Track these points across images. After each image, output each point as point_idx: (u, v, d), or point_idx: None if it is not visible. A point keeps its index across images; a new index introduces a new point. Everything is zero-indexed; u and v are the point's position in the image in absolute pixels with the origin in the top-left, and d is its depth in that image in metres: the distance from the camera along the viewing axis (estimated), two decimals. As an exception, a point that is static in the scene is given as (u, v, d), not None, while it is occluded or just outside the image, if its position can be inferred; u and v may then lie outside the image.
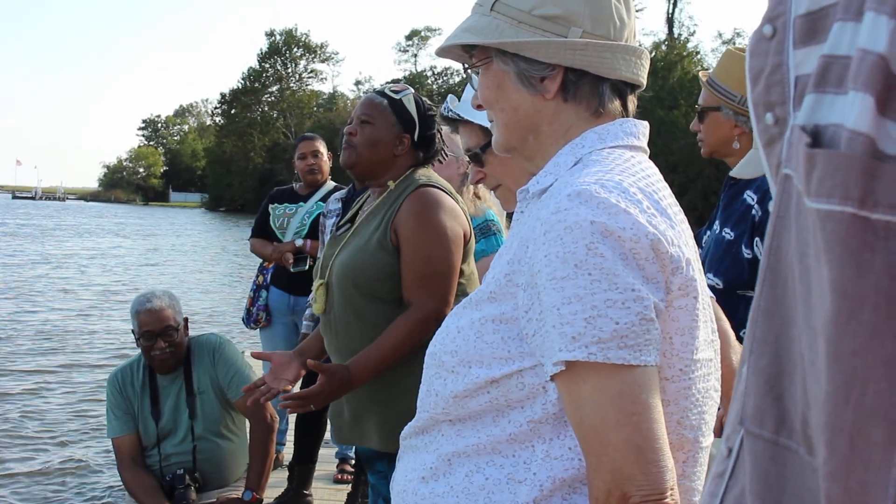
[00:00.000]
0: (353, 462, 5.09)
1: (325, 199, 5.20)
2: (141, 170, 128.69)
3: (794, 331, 0.61)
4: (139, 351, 3.90)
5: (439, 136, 2.88)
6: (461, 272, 2.70)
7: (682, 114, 38.97)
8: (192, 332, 4.01)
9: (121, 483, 4.12)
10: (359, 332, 2.63)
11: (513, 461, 1.29)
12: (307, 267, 5.09)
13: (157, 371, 3.87)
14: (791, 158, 0.59)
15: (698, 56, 49.52)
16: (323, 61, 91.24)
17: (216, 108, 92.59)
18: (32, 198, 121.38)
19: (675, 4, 55.17)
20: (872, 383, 0.51)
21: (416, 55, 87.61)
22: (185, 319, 3.92)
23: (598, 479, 1.18)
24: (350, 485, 4.94)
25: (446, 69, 79.78)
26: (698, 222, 1.97)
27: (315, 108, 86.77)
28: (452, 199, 2.74)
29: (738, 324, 2.10)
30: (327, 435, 5.18)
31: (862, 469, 0.52)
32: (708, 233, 2.80)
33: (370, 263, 2.62)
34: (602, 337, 1.15)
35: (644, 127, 1.43)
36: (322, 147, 5.46)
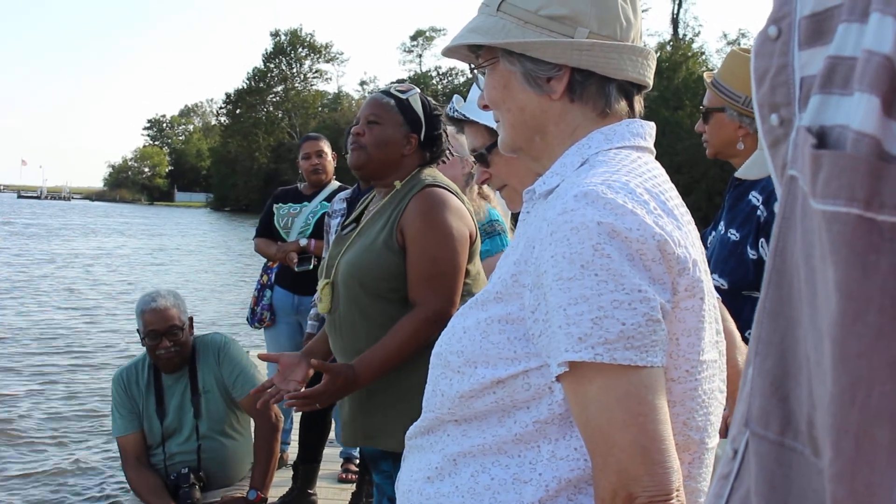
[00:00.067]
0: (358, 461, 5.09)
1: (329, 198, 5.20)
2: (146, 169, 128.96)
3: (799, 332, 0.61)
4: (144, 350, 3.91)
5: (445, 135, 2.88)
6: (467, 272, 2.69)
7: (686, 114, 38.92)
8: (196, 332, 4.02)
9: (124, 484, 4.14)
10: (364, 331, 2.63)
11: (518, 461, 1.29)
12: (311, 266, 5.09)
13: (163, 370, 3.87)
14: (796, 160, 0.59)
15: (703, 56, 49.44)
16: (328, 61, 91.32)
17: (221, 108, 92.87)
18: (38, 197, 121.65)
19: (679, 5, 55.13)
20: (878, 384, 0.51)
21: (420, 55, 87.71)
22: (190, 319, 3.92)
23: (603, 480, 1.18)
24: (354, 484, 4.94)
25: (451, 69, 79.79)
26: (703, 223, 1.97)
27: (320, 108, 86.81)
28: (458, 199, 2.74)
29: (743, 324, 2.10)
30: (332, 434, 5.20)
31: (867, 470, 0.51)
32: (713, 233, 2.80)
33: (376, 263, 2.62)
34: (608, 338, 1.15)
35: (651, 128, 1.43)
36: (326, 147, 5.46)
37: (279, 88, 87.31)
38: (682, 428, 1.28)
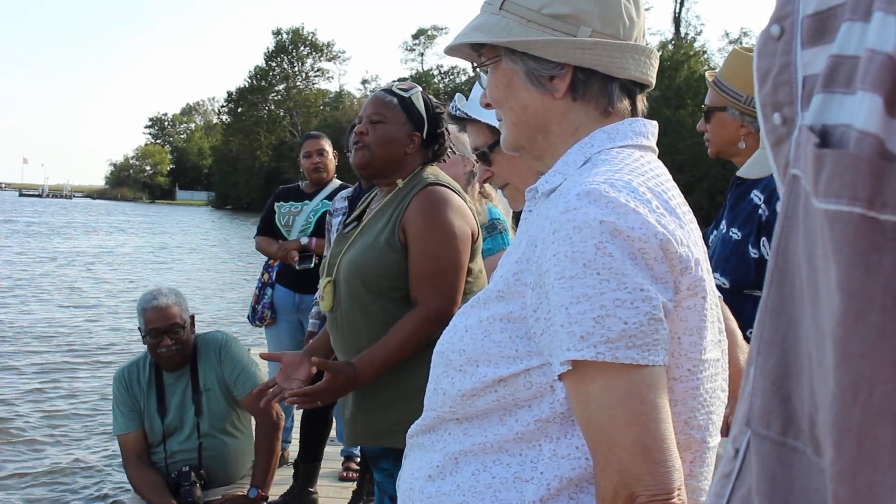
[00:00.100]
0: (359, 460, 5.09)
1: (330, 197, 5.20)
2: (147, 168, 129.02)
3: (801, 331, 0.61)
4: (145, 348, 3.91)
5: (446, 133, 2.88)
6: (469, 271, 2.69)
7: (688, 113, 38.87)
8: (198, 330, 4.02)
9: (124, 483, 4.13)
10: (365, 329, 2.63)
11: (520, 460, 1.29)
12: (312, 265, 5.10)
13: (164, 368, 3.87)
14: (799, 159, 0.59)
15: (705, 55, 49.40)
16: (329, 60, 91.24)
17: (223, 106, 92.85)
18: (39, 195, 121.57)
19: (681, 4, 55.11)
20: (880, 384, 0.51)
21: (422, 54, 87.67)
22: (192, 317, 3.93)
23: (605, 479, 1.18)
24: (355, 483, 4.95)
25: (453, 68, 79.81)
26: (705, 222, 1.97)
27: (321, 107, 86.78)
28: (460, 197, 2.74)
29: (745, 323, 2.10)
30: (333, 433, 5.20)
31: (869, 470, 0.51)
32: (714, 232, 2.80)
33: (378, 261, 2.62)
34: (610, 336, 1.15)
35: (653, 126, 1.43)
36: (327, 145, 5.46)
37: (281, 87, 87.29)
38: (684, 427, 1.28)
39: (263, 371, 4.10)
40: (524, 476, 1.28)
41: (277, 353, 2.89)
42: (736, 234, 2.65)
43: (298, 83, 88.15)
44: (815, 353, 0.58)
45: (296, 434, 5.38)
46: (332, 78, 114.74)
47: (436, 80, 78.05)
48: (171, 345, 3.77)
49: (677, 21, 55.18)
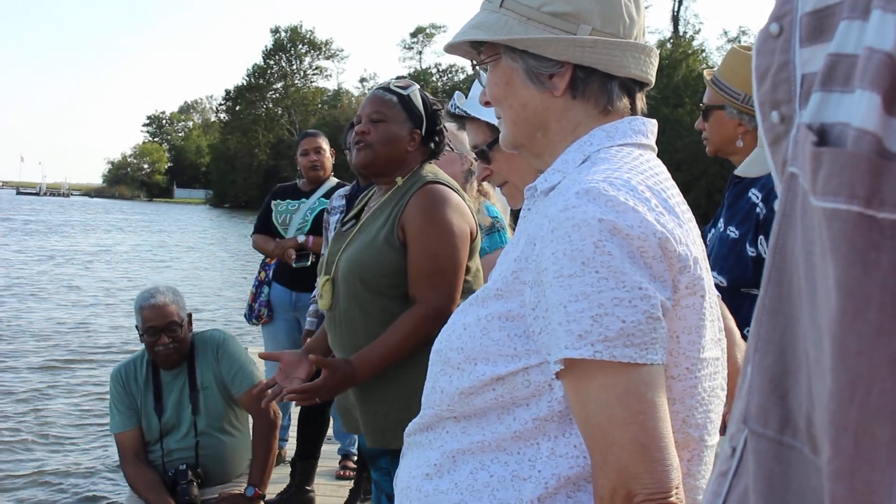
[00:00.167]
0: (356, 458, 5.10)
1: (327, 195, 5.20)
2: (145, 166, 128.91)
3: (798, 330, 0.61)
4: (143, 346, 3.91)
5: (444, 131, 2.88)
6: (467, 269, 2.69)
7: (686, 112, 38.90)
8: (195, 328, 4.01)
9: (122, 484, 4.12)
10: (364, 328, 2.63)
11: (518, 458, 1.29)
12: (309, 263, 5.10)
13: (161, 366, 3.87)
14: (797, 157, 0.59)
15: (703, 54, 49.45)
16: (328, 58, 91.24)
17: (221, 104, 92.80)
18: (37, 193, 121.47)
19: (680, 2, 55.15)
20: (878, 382, 0.51)
21: (420, 52, 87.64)
22: (189, 315, 3.92)
23: (603, 478, 1.17)
24: (353, 481, 4.95)
25: (451, 66, 79.84)
26: (703, 220, 1.97)
27: (320, 105, 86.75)
28: (459, 195, 2.74)
29: (743, 322, 2.10)
30: (330, 431, 5.21)
31: (867, 468, 0.51)
32: (712, 231, 2.80)
33: (377, 260, 2.62)
34: (608, 335, 1.15)
35: (652, 125, 1.43)
36: (325, 143, 5.45)
37: (279, 85, 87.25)
38: (682, 426, 1.28)
39: (261, 369, 4.09)
40: (522, 474, 1.28)
41: (276, 353, 2.88)
42: (733, 232, 2.65)
43: (296, 81, 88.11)
44: (813, 351, 0.58)
45: (293, 432, 5.38)
46: (331, 76, 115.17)
47: (434, 78, 78.05)
48: (168, 343, 3.77)
49: (676, 19, 55.23)
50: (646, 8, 1.46)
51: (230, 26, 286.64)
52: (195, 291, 17.34)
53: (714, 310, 1.32)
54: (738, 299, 2.53)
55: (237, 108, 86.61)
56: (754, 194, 2.64)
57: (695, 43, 51.81)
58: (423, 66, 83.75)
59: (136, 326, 3.87)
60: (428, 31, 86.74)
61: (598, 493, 1.19)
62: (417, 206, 2.63)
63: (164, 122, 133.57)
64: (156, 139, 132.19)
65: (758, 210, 2.61)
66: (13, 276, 18.81)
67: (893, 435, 0.51)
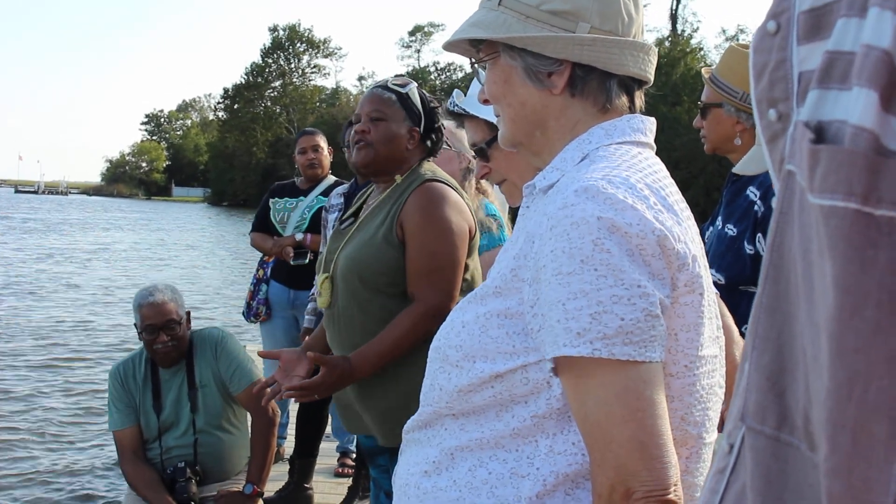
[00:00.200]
0: (355, 456, 5.09)
1: (325, 193, 5.20)
2: (143, 164, 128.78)
3: (796, 327, 0.61)
4: (141, 344, 3.91)
5: (442, 128, 2.88)
6: (466, 267, 2.69)
7: (685, 110, 38.90)
8: (194, 326, 4.01)
9: (119, 482, 4.11)
10: (362, 326, 2.63)
11: (516, 456, 1.29)
12: (307, 261, 5.10)
13: (160, 364, 3.87)
14: (794, 154, 0.59)
15: (701, 52, 49.41)
16: (326, 56, 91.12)
17: (219, 102, 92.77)
18: (35, 192, 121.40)
19: (678, 0, 55.09)
20: (875, 379, 0.51)
21: (419, 51, 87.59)
22: (188, 313, 3.92)
23: (601, 475, 1.18)
24: (351, 478, 4.95)
25: (449, 65, 79.76)
26: (701, 218, 1.97)
27: (318, 104, 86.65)
28: (457, 193, 2.74)
29: (741, 320, 2.10)
30: (328, 429, 5.20)
31: (864, 465, 0.51)
32: (710, 229, 2.80)
33: (375, 258, 2.62)
34: (607, 333, 1.15)
35: (651, 123, 1.43)
36: (322, 142, 5.45)
37: (277, 83, 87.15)
38: (680, 423, 1.29)
39: (259, 367, 4.09)
40: (520, 472, 1.28)
41: (276, 351, 2.88)
42: (732, 230, 2.65)
43: (295, 80, 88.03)
44: (810, 348, 0.58)
45: (291, 430, 5.38)
46: (329, 74, 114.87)
47: (432, 76, 77.98)
48: (167, 341, 3.77)
49: (674, 18, 55.18)
50: (644, 6, 1.46)
51: (228, 25, 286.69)
52: (194, 290, 17.33)
53: (712, 307, 1.32)
54: (737, 297, 2.53)
55: (235, 106, 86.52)
56: (752, 192, 2.64)
57: (693, 41, 51.79)
58: (422, 65, 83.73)
59: (135, 324, 3.87)
60: (426, 29, 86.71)
61: (597, 491, 1.19)
62: (416, 204, 2.63)
63: (162, 120, 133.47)
64: (154, 138, 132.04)
65: (756, 208, 2.61)
66: (12, 275, 18.79)
67: (891, 432, 0.51)
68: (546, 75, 1.37)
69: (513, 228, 1.62)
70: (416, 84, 2.86)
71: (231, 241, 34.05)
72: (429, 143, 2.83)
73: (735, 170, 2.69)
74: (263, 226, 5.42)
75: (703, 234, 2.79)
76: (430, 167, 2.80)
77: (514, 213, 2.36)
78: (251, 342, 8.87)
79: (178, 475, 3.76)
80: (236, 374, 3.86)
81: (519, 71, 1.38)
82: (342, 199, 4.52)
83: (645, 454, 1.16)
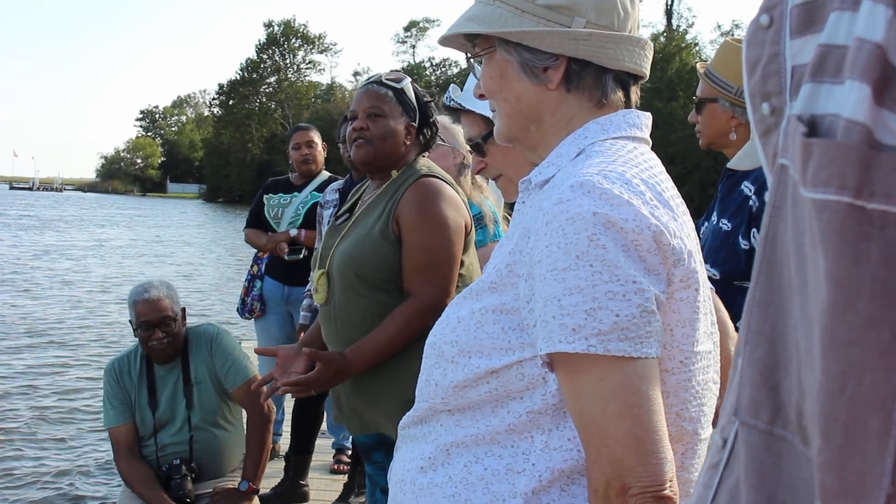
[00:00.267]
0: (350, 452, 5.09)
1: (319, 189, 5.20)
2: (139, 161, 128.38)
3: (789, 321, 0.61)
4: (136, 341, 3.90)
5: (437, 122, 2.88)
6: (462, 263, 2.69)
7: (680, 105, 38.93)
8: (189, 323, 4.01)
9: (113, 481, 4.10)
10: (359, 322, 2.62)
11: (512, 452, 1.29)
12: (302, 256, 5.09)
13: (155, 361, 3.86)
14: (787, 148, 0.59)
15: (697, 48, 49.47)
16: (321, 52, 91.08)
17: (214, 99, 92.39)
18: (30, 188, 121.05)
19: (673, -4, 55.11)
20: (868, 373, 0.51)
21: (414, 46, 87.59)
22: (183, 309, 3.91)
23: (597, 471, 1.18)
24: (346, 475, 4.95)
25: (445, 60, 79.72)
26: (696, 214, 1.97)
27: (313, 99, 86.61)
28: (453, 189, 2.74)
29: (735, 314, 2.10)
30: (324, 426, 5.20)
31: (858, 459, 0.51)
32: (706, 224, 2.80)
33: (372, 253, 2.61)
34: (602, 329, 1.15)
35: (647, 118, 1.43)
36: (316, 137, 5.44)
37: (272, 79, 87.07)
38: (676, 419, 1.29)
39: (255, 364, 4.09)
40: (516, 468, 1.28)
41: (273, 348, 2.87)
42: (726, 225, 2.65)
43: (290, 75, 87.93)
44: (804, 342, 0.58)
45: (287, 427, 5.38)
46: (324, 70, 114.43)
47: (427, 72, 77.96)
48: (162, 337, 3.76)
49: (669, 13, 55.24)
50: (640, 1, 1.46)
51: (223, 20, 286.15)
52: (189, 286, 17.31)
53: (707, 303, 1.32)
54: (732, 292, 2.53)
55: (230, 102, 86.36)
56: (747, 187, 2.64)
57: (688, 36, 51.87)
58: (417, 60, 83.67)
59: (130, 321, 3.87)
60: (421, 24, 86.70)
61: (593, 486, 1.19)
62: (412, 200, 2.63)
63: (157, 116, 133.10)
64: (149, 134, 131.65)
65: (750, 203, 2.61)
66: (7, 271, 18.75)
67: (884, 425, 0.51)
68: (542, 70, 1.37)
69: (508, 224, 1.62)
70: (409, 79, 2.85)
71: (226, 238, 34.03)
72: (422, 138, 2.83)
73: (730, 165, 2.70)
74: (258, 222, 5.41)
75: (698, 230, 2.79)
76: (425, 163, 2.79)
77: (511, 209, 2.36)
78: (246, 339, 8.86)
79: (174, 472, 3.75)
80: (232, 370, 3.85)
81: (515, 65, 1.38)
82: (337, 195, 4.52)
83: (640, 450, 1.16)
